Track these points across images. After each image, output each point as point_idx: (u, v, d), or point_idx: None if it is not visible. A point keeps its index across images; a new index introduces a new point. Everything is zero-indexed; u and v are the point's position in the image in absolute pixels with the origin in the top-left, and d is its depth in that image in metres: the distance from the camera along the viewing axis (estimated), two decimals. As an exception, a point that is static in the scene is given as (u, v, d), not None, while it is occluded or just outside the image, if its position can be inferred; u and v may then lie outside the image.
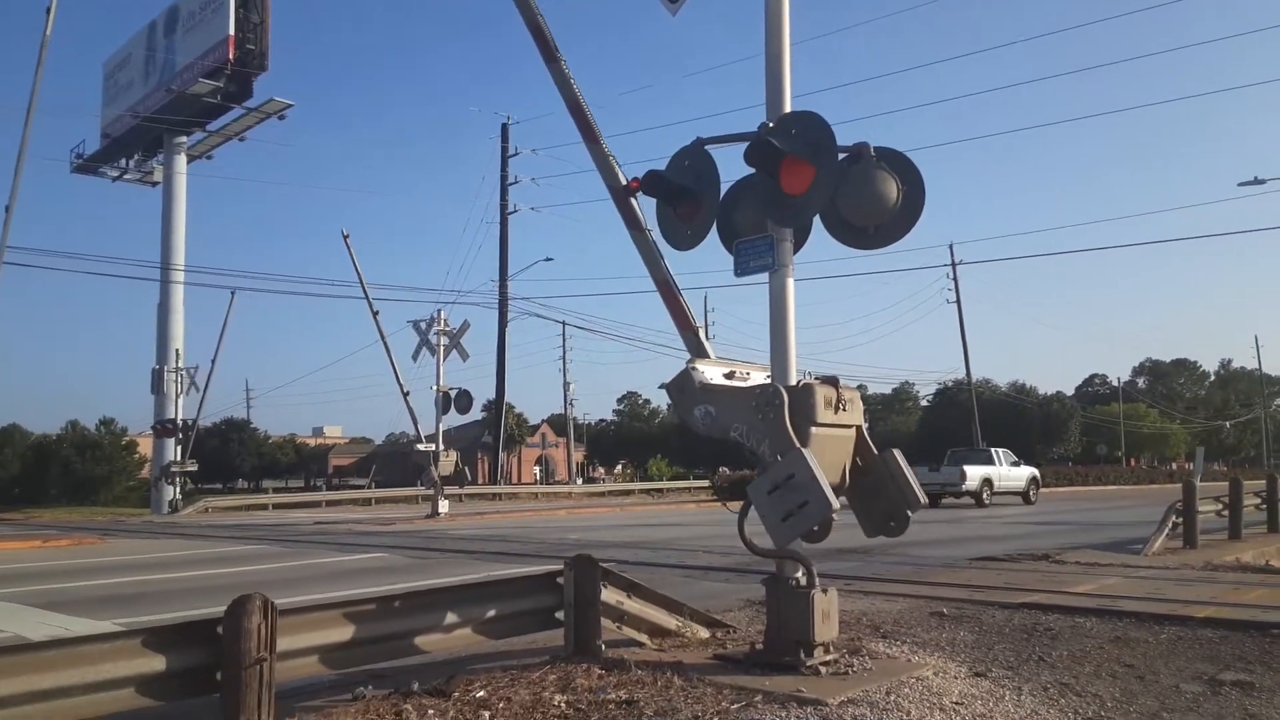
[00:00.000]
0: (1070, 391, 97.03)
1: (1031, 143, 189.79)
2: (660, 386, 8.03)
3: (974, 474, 31.99)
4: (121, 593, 12.45)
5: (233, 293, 40.95)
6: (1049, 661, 6.88)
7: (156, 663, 5.04)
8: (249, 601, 5.09)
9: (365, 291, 33.74)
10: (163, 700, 5.15)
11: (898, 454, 6.61)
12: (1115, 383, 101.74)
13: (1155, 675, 6.50)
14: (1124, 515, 26.56)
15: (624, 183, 7.53)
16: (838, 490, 6.21)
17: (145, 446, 52.91)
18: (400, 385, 33.65)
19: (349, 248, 33.63)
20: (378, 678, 6.49)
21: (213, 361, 41.57)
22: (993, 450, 35.24)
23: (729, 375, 6.74)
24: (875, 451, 6.71)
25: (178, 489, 39.50)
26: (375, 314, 33.67)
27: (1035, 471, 36.46)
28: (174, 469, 39.25)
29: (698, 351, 7.35)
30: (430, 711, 5.45)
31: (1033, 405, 79.61)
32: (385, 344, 33.81)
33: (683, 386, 6.65)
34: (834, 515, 5.92)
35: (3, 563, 17.20)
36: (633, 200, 7.53)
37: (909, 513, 6.50)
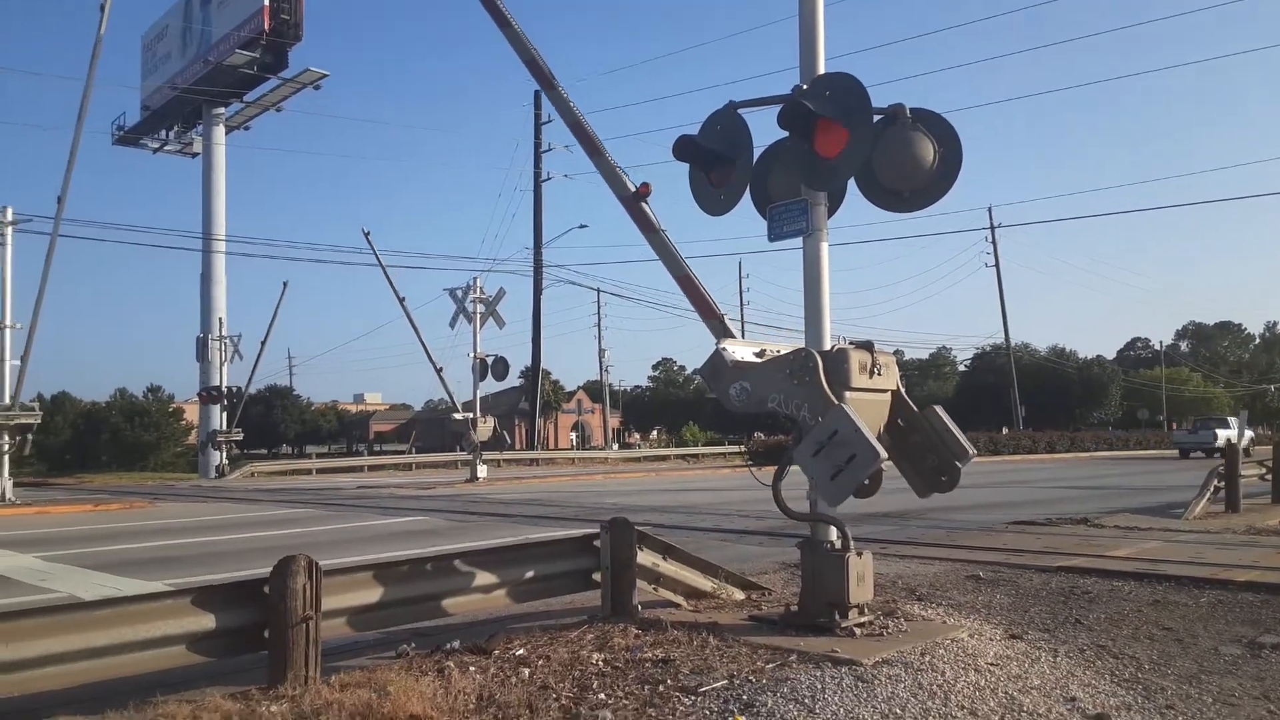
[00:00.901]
0: (1111, 355, 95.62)
1: (1074, 102, 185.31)
2: (693, 372, 8.14)
3: (1221, 434, 41.87)
4: (171, 554, 12.81)
5: (285, 284, 41.84)
6: (1086, 624, 6.88)
7: (206, 621, 5.21)
8: (294, 562, 5.24)
9: (390, 283, 34.26)
10: (212, 657, 5.33)
11: (940, 410, 6.60)
12: (1157, 346, 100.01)
13: (1194, 638, 6.48)
14: (1165, 479, 26.24)
15: (633, 190, 7.60)
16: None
17: (191, 413, 54.11)
18: (433, 363, 34.07)
19: (371, 244, 34.23)
20: (420, 636, 6.66)
21: (262, 343, 42.49)
22: (1228, 418, 46.14)
23: (759, 354, 6.76)
24: (916, 410, 6.69)
25: (224, 455, 40.37)
26: (402, 300, 34.12)
27: (1252, 433, 42.07)
28: (220, 437, 40.08)
29: (724, 337, 7.38)
30: (471, 668, 5.59)
31: (1072, 369, 78.56)
32: (415, 328, 34.25)
33: (715, 367, 6.70)
34: (883, 465, 5.92)
35: (56, 526, 17.75)
36: (643, 205, 7.56)
37: (959, 465, 6.47)
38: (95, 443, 56.56)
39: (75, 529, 17.03)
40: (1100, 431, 69.33)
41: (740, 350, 6.78)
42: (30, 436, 23.35)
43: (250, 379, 44.18)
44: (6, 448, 22.64)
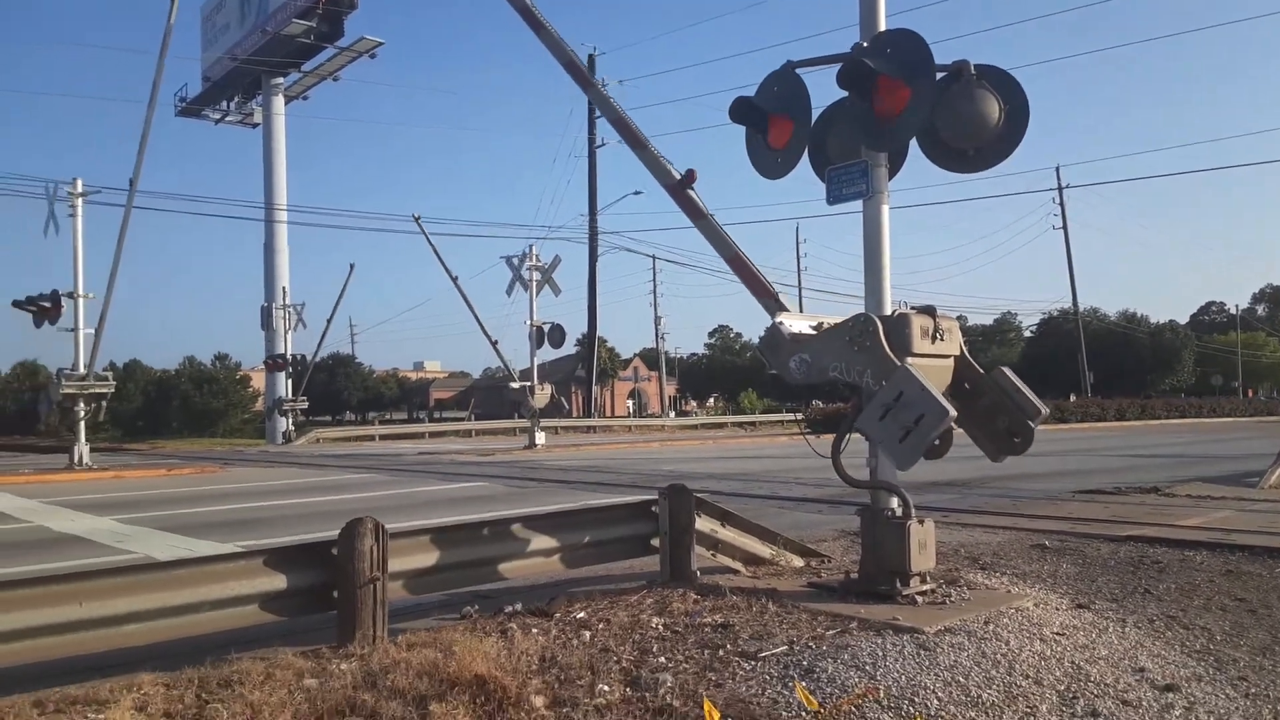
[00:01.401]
0: (1184, 320, 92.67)
1: (1147, 56, 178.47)
2: (751, 345, 8.13)
3: None
4: (242, 518, 13.20)
5: (351, 266, 42.75)
6: (1155, 594, 6.73)
7: (278, 581, 5.37)
8: (361, 524, 5.36)
9: (443, 264, 34.78)
10: (284, 616, 5.50)
11: (1007, 371, 6.48)
12: (1233, 310, 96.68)
13: (1269, 609, 6.30)
14: (1240, 448, 25.47)
15: (678, 177, 7.59)
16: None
17: (258, 380, 55.47)
18: (488, 336, 34.48)
19: (422, 228, 34.84)
20: (483, 599, 6.78)
21: (328, 321, 43.61)
22: None
23: (816, 328, 6.70)
24: (983, 372, 6.57)
25: (290, 421, 41.37)
26: (454, 279, 34.56)
27: None
28: (286, 405, 41.07)
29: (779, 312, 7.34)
30: (534, 630, 5.67)
31: (1144, 335, 76.42)
32: (469, 305, 34.80)
33: (773, 341, 6.65)
34: (953, 424, 5.82)
35: (132, 490, 18.40)
36: (690, 192, 7.53)
37: (1031, 424, 6.33)
38: (166, 409, 58.34)
39: (150, 493, 17.64)
40: (1172, 399, 67.41)
41: (797, 324, 6.73)
42: (105, 404, 24.19)
43: (316, 352, 45.36)
44: (83, 415, 23.49)
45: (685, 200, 7.58)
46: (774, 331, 6.67)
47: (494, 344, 34.61)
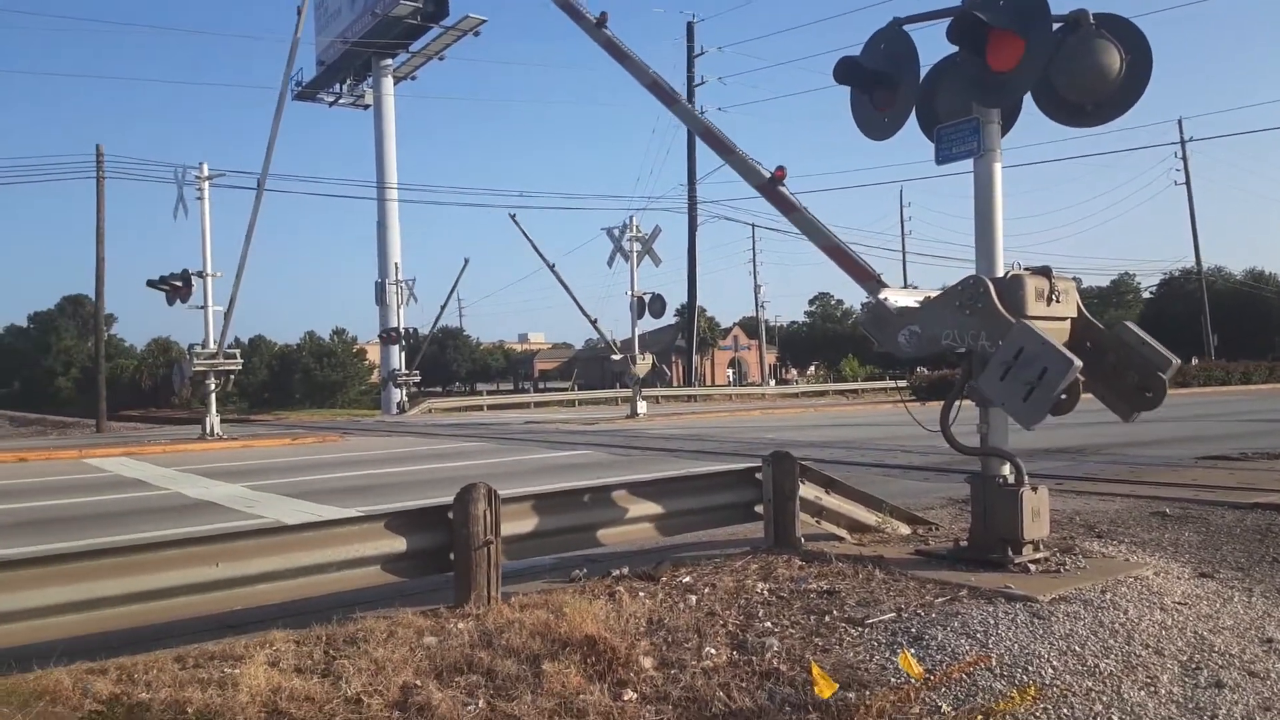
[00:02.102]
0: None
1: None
2: (858, 324, 8.10)
3: None
4: (362, 484, 13.78)
5: (465, 260, 43.94)
6: (1287, 565, 6.41)
7: (398, 544, 5.62)
8: (475, 490, 5.55)
9: (541, 255, 35.59)
10: (403, 577, 5.75)
11: (1130, 324, 6.25)
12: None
13: None
14: (1387, 413, 23.82)
15: (768, 176, 7.60)
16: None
17: (373, 354, 57.50)
18: (586, 315, 35.15)
19: (518, 224, 35.82)
20: (591, 563, 6.94)
21: (442, 307, 45.13)
22: None
23: (921, 302, 6.58)
24: (1105, 329, 6.33)
25: (404, 392, 42.81)
26: (552, 266, 35.23)
27: None
28: (401, 376, 42.53)
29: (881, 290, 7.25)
30: (641, 594, 5.79)
31: (1272, 294, 71.82)
32: (567, 289, 35.44)
33: (878, 316, 6.55)
34: (1080, 379, 5.62)
35: (259, 458, 19.38)
36: (781, 188, 7.51)
37: (1163, 375, 6.05)
38: (289, 381, 61.15)
39: (276, 461, 18.55)
40: (1302, 361, 63.36)
41: (902, 299, 6.63)
42: (232, 378, 25.56)
43: (434, 326, 46.94)
44: (213, 389, 24.84)
45: (777, 197, 7.67)
46: (878, 307, 6.58)
47: (593, 322, 35.21)
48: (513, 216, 35.58)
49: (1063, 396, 5.68)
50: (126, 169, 58.62)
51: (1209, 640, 4.77)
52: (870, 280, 6.88)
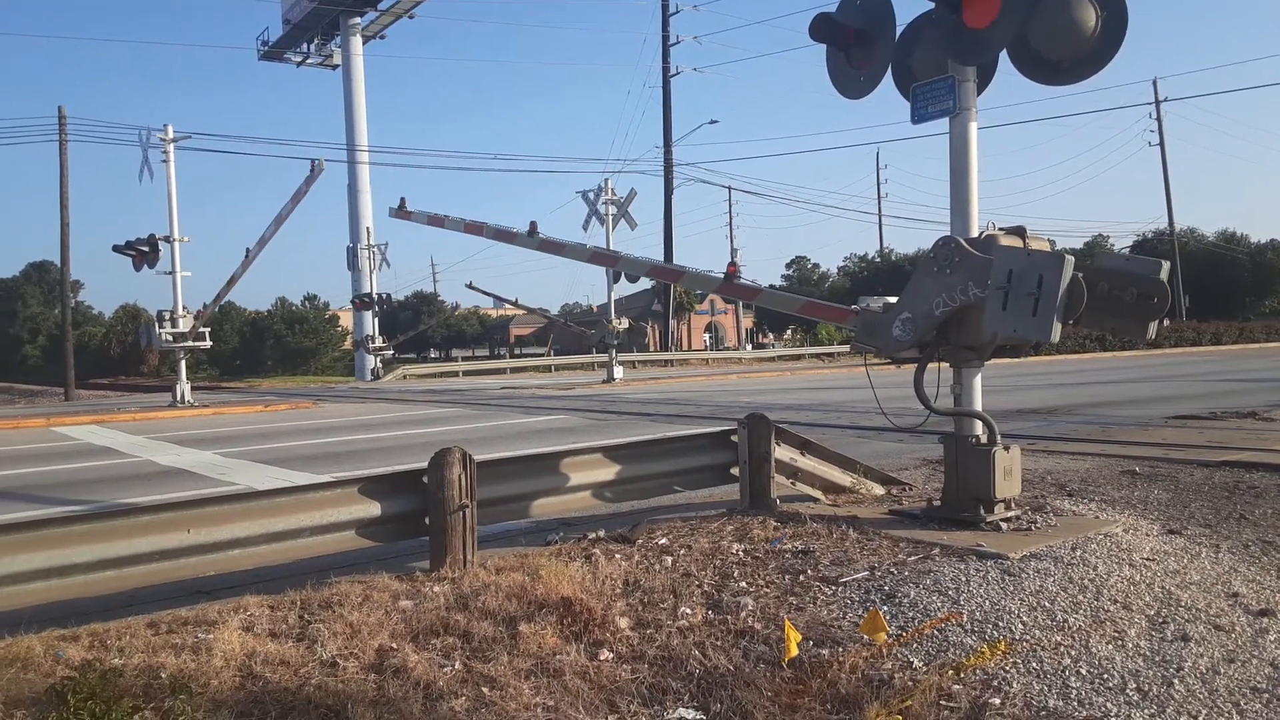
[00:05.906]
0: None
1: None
2: (850, 345, 8.53)
3: None
4: (336, 450, 13.70)
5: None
6: (1251, 519, 6.53)
7: (372, 508, 5.59)
8: (450, 454, 5.52)
9: (499, 298, 35.43)
10: (378, 541, 5.73)
11: (1106, 251, 6.24)
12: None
13: (1376, 537, 6.06)
14: (1350, 373, 24.25)
15: (722, 277, 8.31)
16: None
17: (346, 319, 56.98)
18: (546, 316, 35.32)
19: (478, 289, 36.34)
20: (567, 525, 6.95)
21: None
22: None
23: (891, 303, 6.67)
24: (1087, 264, 6.28)
25: (378, 359, 42.52)
26: (514, 302, 35.25)
27: None
28: (373, 346, 42.22)
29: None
30: (617, 556, 5.80)
31: (1243, 255, 72.61)
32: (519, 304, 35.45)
33: (867, 324, 6.58)
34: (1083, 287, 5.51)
35: (231, 425, 19.22)
36: (739, 281, 8.57)
37: (1158, 276, 5.77)
38: (260, 348, 60.50)
39: (248, 428, 18.40)
40: (1273, 321, 64.22)
41: (875, 302, 6.74)
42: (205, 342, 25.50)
43: (437, 317, 46.22)
44: (183, 356, 24.61)
45: (738, 289, 8.10)
46: (864, 315, 6.65)
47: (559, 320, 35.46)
48: (470, 285, 36.05)
49: (1067, 303, 5.56)
50: (90, 131, 57.43)
51: (1176, 595, 4.85)
52: (849, 315, 6.99)
